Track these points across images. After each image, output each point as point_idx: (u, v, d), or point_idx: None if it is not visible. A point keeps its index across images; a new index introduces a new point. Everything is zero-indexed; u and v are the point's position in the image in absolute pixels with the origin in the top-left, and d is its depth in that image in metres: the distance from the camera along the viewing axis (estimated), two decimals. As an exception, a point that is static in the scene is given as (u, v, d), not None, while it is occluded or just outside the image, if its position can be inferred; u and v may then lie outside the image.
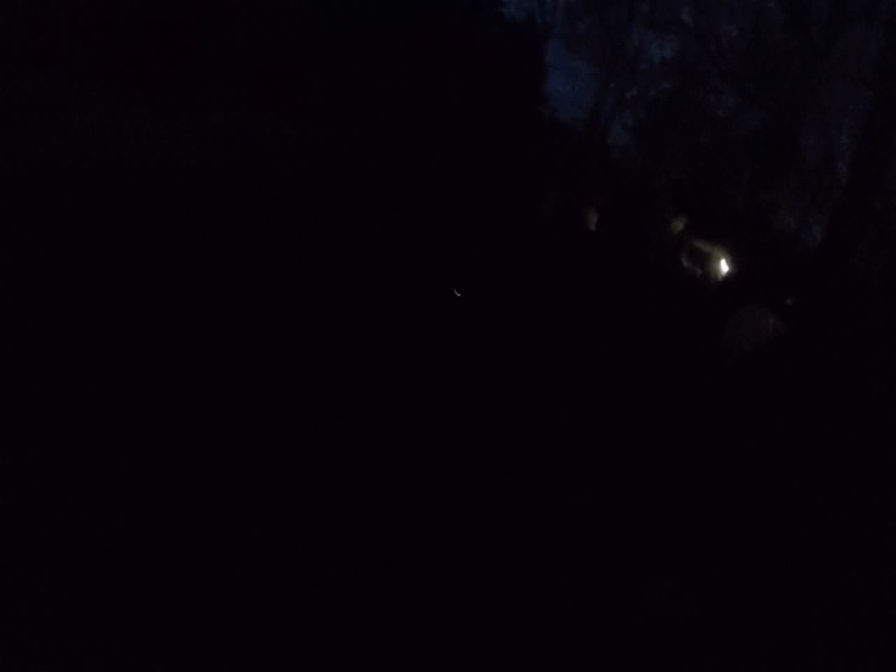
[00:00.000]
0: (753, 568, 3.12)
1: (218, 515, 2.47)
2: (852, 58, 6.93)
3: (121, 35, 5.09)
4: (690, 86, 10.12)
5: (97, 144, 4.57)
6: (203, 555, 2.30)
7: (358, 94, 7.83)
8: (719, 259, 14.59)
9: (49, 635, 1.89)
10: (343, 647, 2.13)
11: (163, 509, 2.42)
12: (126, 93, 5.02)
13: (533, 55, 11.74)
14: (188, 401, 3.01)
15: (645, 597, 2.60)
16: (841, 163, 7.42)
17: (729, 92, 9.16)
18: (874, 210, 7.23)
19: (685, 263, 16.14)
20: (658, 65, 10.21)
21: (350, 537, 2.56)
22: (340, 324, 4.30)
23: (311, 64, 6.95)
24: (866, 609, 3.05)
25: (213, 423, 2.92)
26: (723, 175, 13.23)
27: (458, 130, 10.67)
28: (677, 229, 15.35)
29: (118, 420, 2.78)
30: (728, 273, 12.97)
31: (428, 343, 4.73)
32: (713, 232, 14.81)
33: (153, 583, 2.13)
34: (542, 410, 4.48)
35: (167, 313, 3.63)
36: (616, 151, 15.53)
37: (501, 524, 2.94)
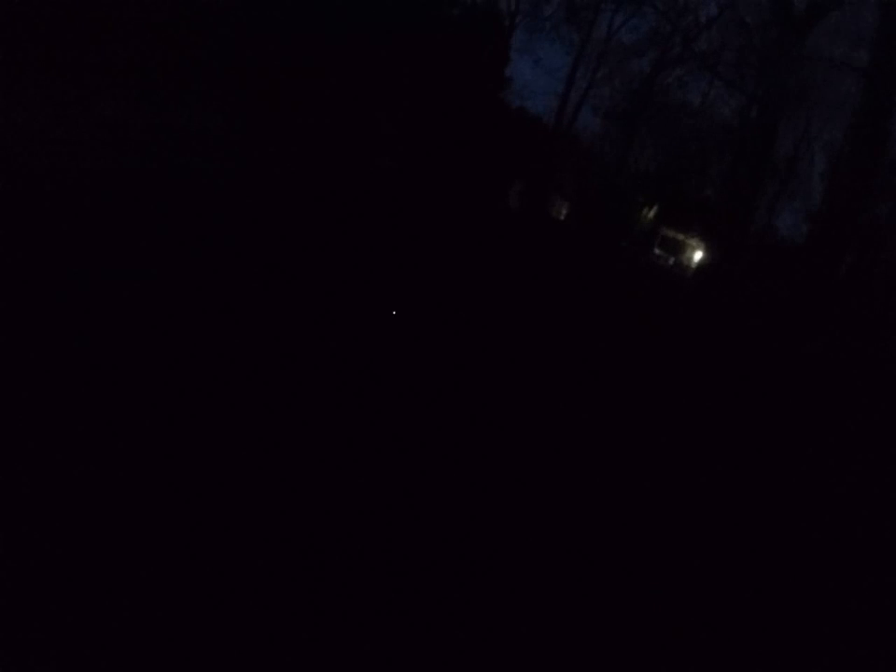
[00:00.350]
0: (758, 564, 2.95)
1: (218, 515, 2.20)
2: (833, 41, 6.67)
3: (119, 33, 4.79)
4: (662, 68, 9.81)
5: (91, 142, 4.41)
6: (203, 555, 2.01)
7: (328, 87, 7.34)
8: (690, 249, 14.43)
9: (48, 635, 1.59)
10: (342, 647, 1.88)
11: (162, 509, 2.16)
12: (124, 91, 4.72)
13: (497, 40, 11.27)
14: (183, 399, 2.75)
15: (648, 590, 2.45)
16: (817, 150, 7.26)
17: (703, 75, 8.87)
18: (849, 200, 7.00)
19: (655, 252, 16.00)
20: (629, 47, 9.86)
21: (350, 535, 2.29)
22: (334, 308, 4.26)
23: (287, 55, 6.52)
24: (870, 610, 2.89)
25: (212, 420, 2.65)
26: (694, 162, 13.00)
27: (422, 118, 10.13)
28: (646, 216, 15.13)
29: (117, 419, 2.46)
30: (699, 263, 12.81)
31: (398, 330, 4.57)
32: (683, 221, 14.63)
33: (152, 583, 1.87)
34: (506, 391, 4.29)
35: (162, 317, 3.35)
36: (584, 136, 15.24)
37: (502, 521, 2.74)
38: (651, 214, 13.82)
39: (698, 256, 12.75)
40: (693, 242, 12.67)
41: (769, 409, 5.76)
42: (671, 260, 13.69)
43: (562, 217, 16.28)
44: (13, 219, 3.86)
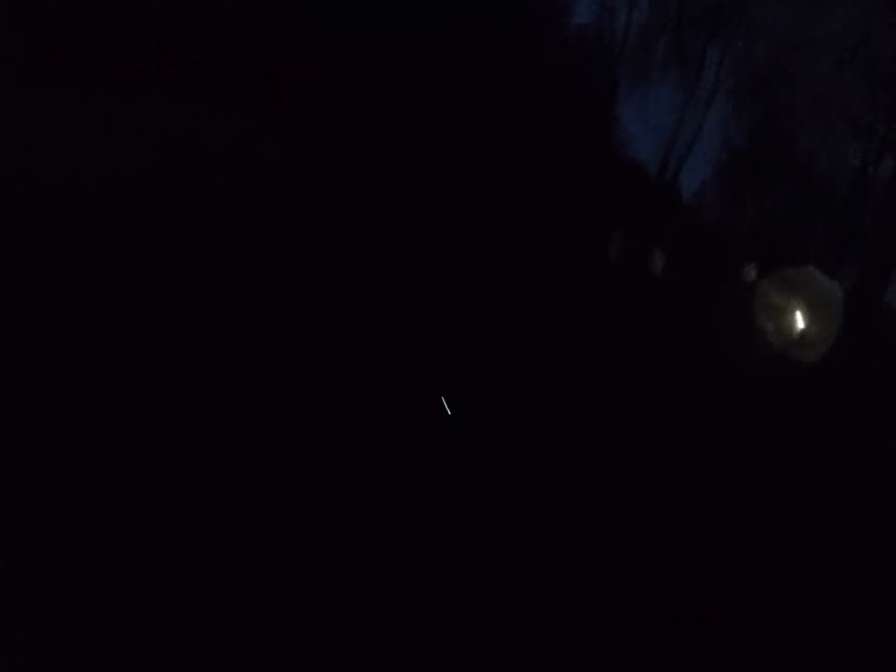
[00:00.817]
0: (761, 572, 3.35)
1: (218, 516, 2.55)
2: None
3: (112, 32, 5.02)
4: (776, 118, 9.08)
5: (94, 145, 4.63)
6: (203, 556, 2.36)
7: (404, 124, 7.27)
8: (796, 319, 13.17)
9: (48, 635, 1.92)
10: (342, 647, 2.19)
11: (163, 510, 2.50)
12: (118, 93, 4.93)
13: (602, 82, 11.00)
14: (182, 405, 3.12)
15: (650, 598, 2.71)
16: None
17: (820, 125, 8.04)
18: None
19: (759, 320, 14.77)
20: (738, 93, 9.22)
21: (350, 537, 2.65)
22: (344, 334, 4.23)
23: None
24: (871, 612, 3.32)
25: (212, 426, 3.05)
26: (811, 226, 11.92)
27: (513, 162, 9.97)
28: (751, 279, 14.06)
29: (118, 422, 2.90)
30: (805, 333, 11.61)
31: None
32: (792, 288, 13.42)
33: (152, 584, 2.18)
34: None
35: (165, 322, 3.74)
36: (689, 194, 14.53)
37: (505, 527, 3.03)
38: (755, 277, 12.80)
39: (801, 326, 11.47)
40: (799, 311, 11.47)
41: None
42: (771, 329, 12.51)
43: (659, 277, 15.60)
44: (17, 224, 3.91)
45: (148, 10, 4.92)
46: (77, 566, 2.16)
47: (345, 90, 6.59)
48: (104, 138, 4.70)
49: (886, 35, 7.11)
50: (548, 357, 5.92)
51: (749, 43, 8.49)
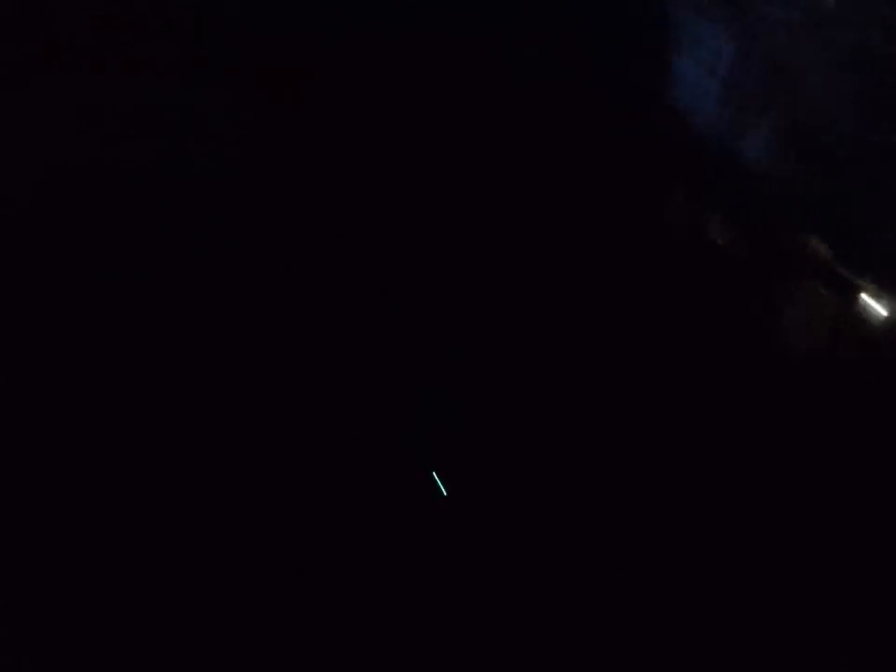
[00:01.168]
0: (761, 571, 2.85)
1: (219, 516, 2.50)
2: None
3: (106, 15, 4.92)
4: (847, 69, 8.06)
5: (76, 135, 4.61)
6: (204, 556, 2.33)
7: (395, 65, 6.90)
8: (861, 291, 12.12)
9: (48, 634, 1.95)
10: (342, 647, 2.22)
11: (163, 510, 2.46)
12: (112, 80, 4.87)
13: (648, 25, 10.15)
14: (186, 405, 3.14)
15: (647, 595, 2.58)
16: None
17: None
18: None
19: (823, 292, 13.79)
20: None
21: (350, 537, 2.62)
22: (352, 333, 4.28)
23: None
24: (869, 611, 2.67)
25: (213, 425, 2.87)
26: (879, 190, 10.79)
27: (545, 123, 9.42)
28: (815, 252, 13.07)
29: (118, 422, 2.69)
30: (872, 308, 10.67)
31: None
32: (859, 261, 12.31)
33: (152, 584, 2.19)
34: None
35: (157, 320, 3.74)
36: (747, 153, 13.52)
37: (504, 526, 2.86)
38: (821, 249, 11.89)
39: (869, 300, 10.63)
40: (866, 286, 10.60)
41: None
42: (837, 303, 11.61)
43: (717, 246, 14.93)
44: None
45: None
46: (76, 565, 2.31)
47: (345, 88, 6.35)
48: (86, 124, 4.73)
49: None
50: (577, 336, 5.76)
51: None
